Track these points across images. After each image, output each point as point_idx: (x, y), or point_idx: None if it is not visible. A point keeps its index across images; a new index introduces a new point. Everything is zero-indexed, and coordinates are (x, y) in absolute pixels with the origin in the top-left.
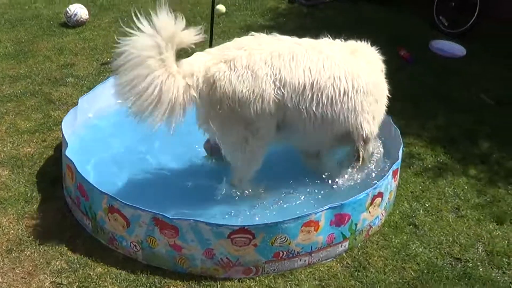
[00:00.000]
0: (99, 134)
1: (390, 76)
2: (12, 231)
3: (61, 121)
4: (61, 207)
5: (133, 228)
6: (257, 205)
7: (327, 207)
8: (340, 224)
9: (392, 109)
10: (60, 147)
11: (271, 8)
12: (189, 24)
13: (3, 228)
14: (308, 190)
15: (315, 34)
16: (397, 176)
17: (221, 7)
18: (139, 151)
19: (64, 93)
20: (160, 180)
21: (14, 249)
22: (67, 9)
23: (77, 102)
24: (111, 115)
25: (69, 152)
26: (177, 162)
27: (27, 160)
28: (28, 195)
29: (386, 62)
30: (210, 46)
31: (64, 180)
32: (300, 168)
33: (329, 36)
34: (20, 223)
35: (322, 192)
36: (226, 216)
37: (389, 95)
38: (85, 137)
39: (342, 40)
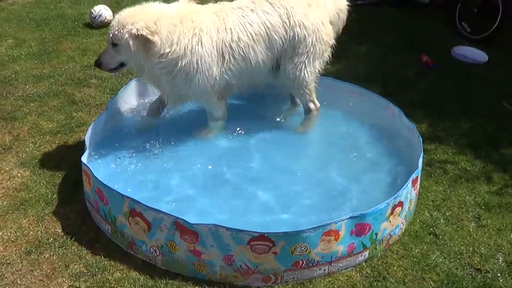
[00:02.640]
0: (121, 138)
1: (412, 82)
2: (31, 232)
3: (84, 123)
4: (81, 210)
5: (154, 232)
6: (278, 213)
7: (348, 217)
8: (361, 234)
9: (413, 116)
10: (82, 149)
11: None
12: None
13: (23, 229)
14: (328, 197)
15: (336, 38)
16: (417, 185)
17: None
18: (160, 154)
19: (87, 94)
20: (182, 183)
21: (33, 251)
22: (92, 10)
23: (100, 104)
24: (134, 118)
25: (86, 157)
26: (200, 166)
27: (48, 161)
28: (49, 197)
29: (408, 67)
30: None
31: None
32: (320, 176)
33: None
34: (40, 225)
35: (342, 199)
36: (247, 222)
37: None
38: (106, 141)
39: None
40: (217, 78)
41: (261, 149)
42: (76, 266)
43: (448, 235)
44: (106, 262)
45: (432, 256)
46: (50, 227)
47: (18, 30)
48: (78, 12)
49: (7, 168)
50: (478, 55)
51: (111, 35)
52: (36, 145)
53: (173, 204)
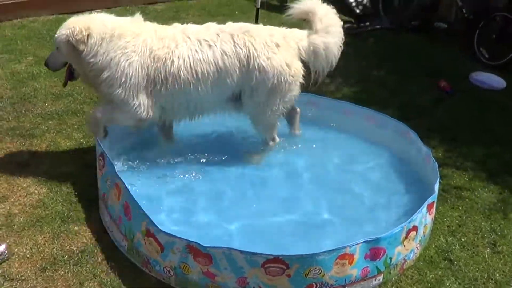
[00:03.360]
0: (144, 153)
1: (429, 108)
2: (47, 249)
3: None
4: (97, 228)
5: (167, 254)
6: (293, 235)
7: (362, 241)
8: (375, 258)
9: (430, 141)
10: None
11: None
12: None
13: (38, 246)
14: (341, 219)
15: (356, 62)
16: (433, 210)
17: None
18: (182, 170)
19: None
20: (203, 196)
21: (48, 268)
22: None
23: None
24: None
25: (118, 170)
26: (223, 177)
27: (65, 179)
28: (65, 214)
29: (426, 93)
30: None
31: (109, 198)
32: (335, 200)
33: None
34: (56, 242)
35: (356, 222)
36: (262, 245)
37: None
38: (128, 155)
39: None
40: (145, 101)
41: (277, 171)
42: (90, 284)
43: (463, 261)
44: (120, 280)
45: (447, 282)
46: (66, 245)
47: (38, 47)
48: None
49: (24, 185)
50: (495, 81)
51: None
52: (54, 163)
53: (192, 223)
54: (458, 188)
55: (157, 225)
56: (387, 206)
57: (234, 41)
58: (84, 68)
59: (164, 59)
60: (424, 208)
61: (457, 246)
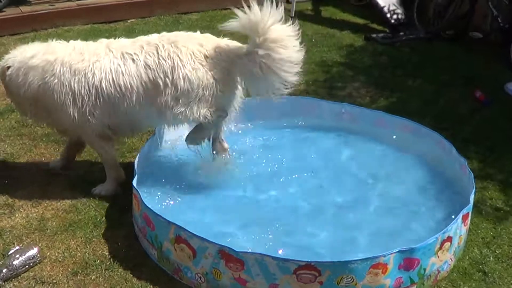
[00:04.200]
0: (171, 163)
1: (465, 117)
2: (79, 254)
3: (135, 148)
4: (129, 233)
5: (199, 259)
6: (325, 242)
7: (397, 250)
8: (409, 269)
9: (465, 151)
10: (132, 174)
11: (347, 45)
12: None
13: (71, 250)
14: (376, 228)
15: (390, 72)
16: (468, 221)
17: None
18: (210, 180)
19: None
20: (232, 210)
21: (80, 272)
22: None
23: (151, 131)
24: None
25: (137, 182)
26: (251, 193)
27: (98, 184)
28: (97, 219)
29: (461, 103)
30: None
31: (132, 208)
32: (368, 209)
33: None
34: (88, 246)
35: (390, 232)
36: (292, 250)
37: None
38: (157, 166)
39: None
40: (77, 118)
41: (305, 177)
42: None
43: (497, 273)
44: (151, 286)
45: None
46: (98, 249)
47: None
48: None
49: (58, 190)
50: None
51: None
52: (87, 169)
53: (219, 230)
54: (493, 199)
55: (190, 230)
56: (421, 216)
57: (158, 53)
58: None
59: (84, 72)
60: (459, 218)
61: (491, 258)
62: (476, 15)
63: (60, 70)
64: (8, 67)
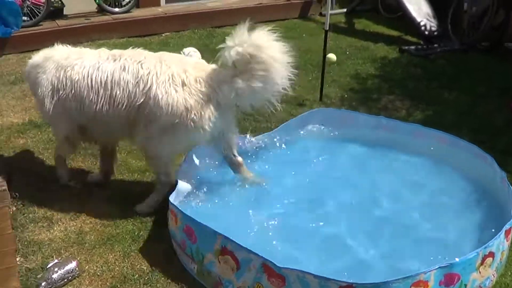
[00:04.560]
0: (209, 180)
1: (503, 129)
2: (117, 268)
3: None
4: (167, 248)
5: (243, 272)
6: (365, 260)
7: (437, 267)
8: (450, 285)
9: (504, 164)
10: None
11: (381, 57)
12: (299, 71)
13: (109, 264)
14: (417, 248)
15: (425, 85)
16: (510, 236)
17: (332, 56)
18: (252, 196)
19: None
20: (273, 225)
21: (118, 286)
22: (181, 52)
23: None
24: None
25: (174, 197)
26: (291, 208)
27: (136, 199)
28: (136, 233)
29: (498, 114)
30: (321, 94)
31: (169, 224)
32: (406, 222)
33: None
34: (126, 260)
35: (429, 247)
36: (334, 269)
37: None
38: (196, 181)
39: None
40: (51, 111)
41: (343, 190)
42: None
43: None
44: None
45: None
46: (136, 264)
47: None
48: None
49: (96, 204)
50: None
51: None
52: (125, 182)
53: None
54: None
55: (236, 241)
56: (462, 229)
57: (140, 62)
58: None
59: (65, 68)
60: (502, 233)
61: None
62: (511, 25)
63: (49, 67)
64: None
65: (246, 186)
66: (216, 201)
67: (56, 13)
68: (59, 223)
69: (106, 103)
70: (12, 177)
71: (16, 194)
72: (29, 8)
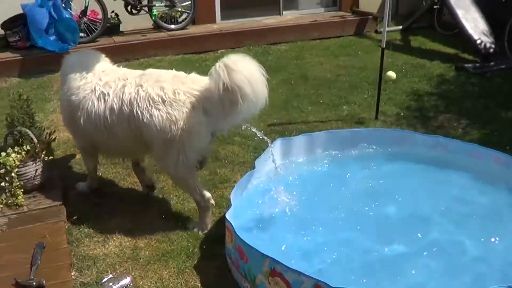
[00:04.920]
0: (265, 197)
1: None
2: (171, 284)
3: (227, 179)
4: (222, 265)
5: None
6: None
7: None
8: None
9: None
10: (225, 205)
11: (438, 75)
12: (354, 89)
13: (163, 281)
14: (467, 266)
15: (482, 103)
16: None
17: (391, 74)
18: (306, 216)
19: (231, 152)
20: (330, 246)
21: None
22: None
23: (243, 162)
24: (280, 178)
25: (231, 214)
26: (348, 228)
27: (191, 215)
28: (190, 250)
29: None
30: (377, 112)
31: (225, 240)
32: (467, 241)
33: None
34: (180, 277)
35: (483, 268)
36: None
37: None
38: (250, 198)
39: None
40: (67, 124)
41: (403, 209)
42: None
43: None
44: None
45: None
46: (190, 280)
47: None
48: None
49: (151, 219)
50: None
51: None
52: (180, 199)
53: (315, 266)
54: None
55: (284, 263)
56: None
57: (123, 93)
58: None
59: (78, 88)
60: None
61: None
62: None
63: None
64: None
65: (297, 207)
66: (269, 219)
67: (113, 29)
68: (114, 238)
69: (109, 128)
70: (68, 192)
71: (72, 209)
72: (86, 25)
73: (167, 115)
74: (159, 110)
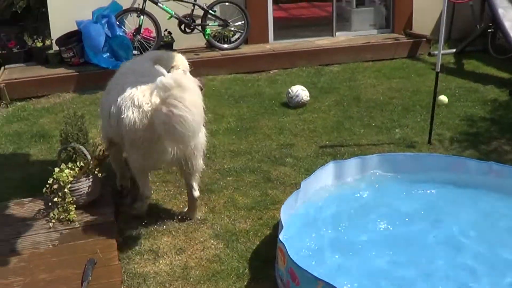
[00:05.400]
0: (316, 218)
1: None
2: None
3: (278, 201)
4: (272, 286)
5: None
6: None
7: None
8: None
9: None
10: (276, 227)
11: (491, 100)
12: (407, 112)
13: None
14: None
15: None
16: None
17: (443, 98)
18: (356, 238)
19: (283, 173)
20: (381, 271)
21: None
22: (289, 90)
23: (295, 183)
24: (329, 199)
25: (283, 235)
26: (400, 252)
27: (242, 236)
28: (240, 271)
29: None
30: (430, 136)
31: (276, 262)
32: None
33: None
34: None
35: None
36: None
37: None
38: (301, 220)
39: None
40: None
41: (457, 239)
42: None
43: None
44: None
45: None
46: None
47: (217, 105)
48: (275, 91)
49: (202, 239)
50: None
51: None
52: (231, 219)
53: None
54: None
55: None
56: None
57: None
58: None
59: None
60: None
61: None
62: None
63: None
64: None
65: (348, 229)
66: (320, 241)
67: (166, 47)
68: (165, 256)
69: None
70: (120, 209)
71: (123, 225)
72: (139, 42)
73: (132, 117)
74: (133, 113)
